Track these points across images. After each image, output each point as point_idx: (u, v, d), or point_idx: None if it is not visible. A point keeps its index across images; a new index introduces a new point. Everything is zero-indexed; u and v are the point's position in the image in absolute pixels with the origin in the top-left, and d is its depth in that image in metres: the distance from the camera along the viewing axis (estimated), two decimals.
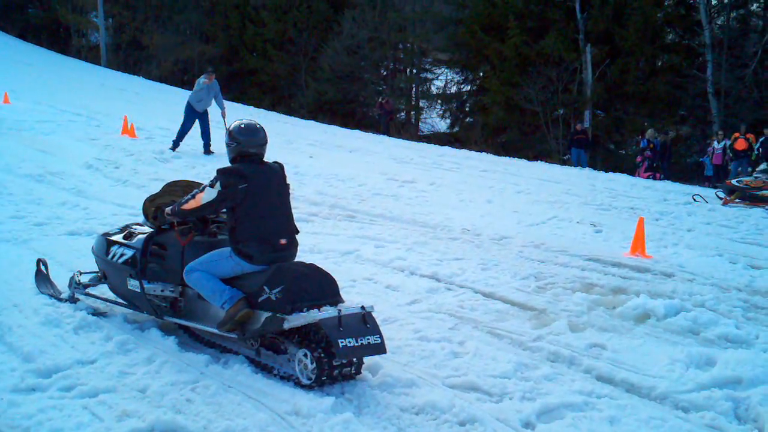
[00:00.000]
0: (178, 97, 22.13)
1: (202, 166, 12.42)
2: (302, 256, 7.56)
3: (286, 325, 4.59)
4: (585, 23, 24.25)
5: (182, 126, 13.73)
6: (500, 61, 25.59)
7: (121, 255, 5.56)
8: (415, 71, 31.99)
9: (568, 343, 5.54)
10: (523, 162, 16.18)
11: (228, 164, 5.18)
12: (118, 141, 13.96)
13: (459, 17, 29.02)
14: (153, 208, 5.56)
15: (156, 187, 10.65)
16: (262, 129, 5.16)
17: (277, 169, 5.18)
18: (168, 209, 5.29)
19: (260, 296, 4.77)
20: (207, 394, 4.57)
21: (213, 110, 13.92)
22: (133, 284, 5.41)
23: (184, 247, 5.28)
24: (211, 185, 5.01)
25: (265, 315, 4.72)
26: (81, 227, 8.49)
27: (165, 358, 5.01)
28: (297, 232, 5.27)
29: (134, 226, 5.87)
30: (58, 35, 39.94)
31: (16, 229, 8.14)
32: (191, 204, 5.10)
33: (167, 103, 22.28)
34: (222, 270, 4.99)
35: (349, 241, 8.41)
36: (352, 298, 6.31)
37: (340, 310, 4.58)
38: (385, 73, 32.42)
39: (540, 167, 15.28)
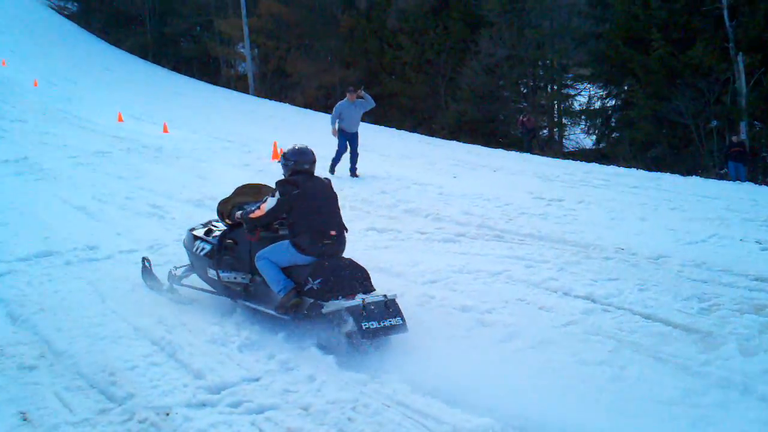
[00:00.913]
0: (323, 122, 22.76)
1: (349, 188, 12.64)
2: (451, 275, 7.67)
3: (324, 311, 5.61)
4: (735, 31, 23.05)
5: (337, 149, 14.06)
6: (645, 74, 24.72)
7: (203, 248, 6.70)
8: (556, 87, 31.46)
9: (739, 369, 5.22)
10: (677, 177, 15.46)
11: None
12: (268, 166, 14.46)
13: (599, 31, 28.35)
14: (229, 207, 6.62)
15: None
16: (311, 151, 6.29)
17: (325, 181, 6.34)
18: (237, 214, 6.38)
19: (306, 286, 5.81)
20: (367, 413, 4.63)
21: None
22: (212, 273, 6.48)
23: (252, 242, 6.27)
24: (272, 195, 6.09)
25: (309, 302, 5.75)
26: None
27: (325, 377, 5.13)
28: (345, 228, 6.29)
29: (214, 223, 6.97)
30: (208, 66, 42.14)
31: (180, 252, 8.57)
32: (257, 213, 6.13)
33: (312, 128, 22.95)
34: (281, 259, 6.02)
35: (498, 261, 8.31)
36: (504, 320, 6.28)
37: (364, 299, 5.49)
38: (525, 90, 32.06)
39: (695, 182, 14.53)
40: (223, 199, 6.84)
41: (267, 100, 33.52)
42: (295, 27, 36.80)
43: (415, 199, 11.69)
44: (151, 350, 5.67)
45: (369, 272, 6.02)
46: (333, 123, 13.82)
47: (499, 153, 20.30)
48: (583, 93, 31.28)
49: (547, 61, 31.22)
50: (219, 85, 37.82)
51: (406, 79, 33.48)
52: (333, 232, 6.08)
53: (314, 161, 6.29)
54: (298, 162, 6.20)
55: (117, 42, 42.64)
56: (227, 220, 6.65)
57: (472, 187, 12.77)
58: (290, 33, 37.46)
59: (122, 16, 43.75)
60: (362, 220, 10.36)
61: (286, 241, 6.05)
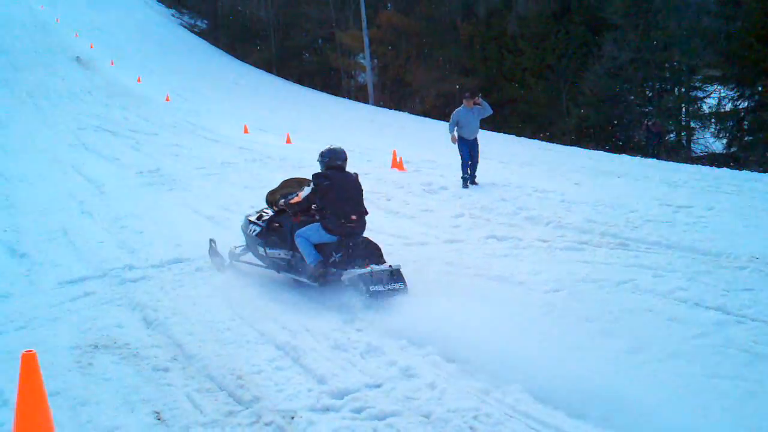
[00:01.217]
0: (442, 130, 22.80)
1: (468, 196, 12.60)
2: (574, 284, 7.49)
3: (342, 278, 7.14)
4: None
5: (461, 159, 13.82)
6: None
7: (254, 230, 8.07)
8: (683, 90, 30.24)
9: None
10: None
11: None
12: (388, 174, 14.62)
13: (730, 30, 27.09)
14: (276, 196, 8.06)
15: (424, 217, 11.09)
16: (342, 150, 7.71)
17: (353, 175, 7.72)
18: (281, 201, 7.85)
19: (330, 258, 7.33)
20: (489, 422, 4.59)
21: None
22: (261, 250, 7.97)
23: (293, 224, 7.64)
24: (308, 185, 7.64)
25: (332, 271, 7.26)
26: None
27: (446, 385, 5.12)
28: (366, 212, 7.66)
29: (265, 210, 8.31)
30: (329, 78, 43.05)
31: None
32: (296, 200, 7.68)
33: (431, 136, 23.02)
34: (313, 236, 7.44)
35: (623, 270, 8.05)
36: (630, 331, 6.06)
37: (372, 268, 6.98)
38: (650, 94, 31.00)
39: None
40: (271, 190, 8.34)
41: (386, 109, 33.90)
42: (414, 37, 37.08)
43: (536, 206, 11.51)
44: (276, 355, 5.83)
45: (381, 247, 7.57)
46: (451, 130, 13.73)
47: (623, 159, 19.70)
48: (713, 95, 29.94)
49: (675, 63, 30.08)
50: (339, 96, 38.56)
51: (526, 84, 33.07)
52: (354, 217, 7.47)
53: (345, 159, 7.70)
54: (331, 159, 7.63)
55: (243, 56, 44.20)
56: (274, 207, 8.05)
57: (594, 194, 12.45)
58: (409, 42, 37.77)
59: (248, 32, 45.31)
60: (482, 228, 10.29)
61: (317, 223, 7.47)
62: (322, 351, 5.83)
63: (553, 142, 25.78)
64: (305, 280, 7.43)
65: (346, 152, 7.75)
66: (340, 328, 6.30)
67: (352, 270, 7.09)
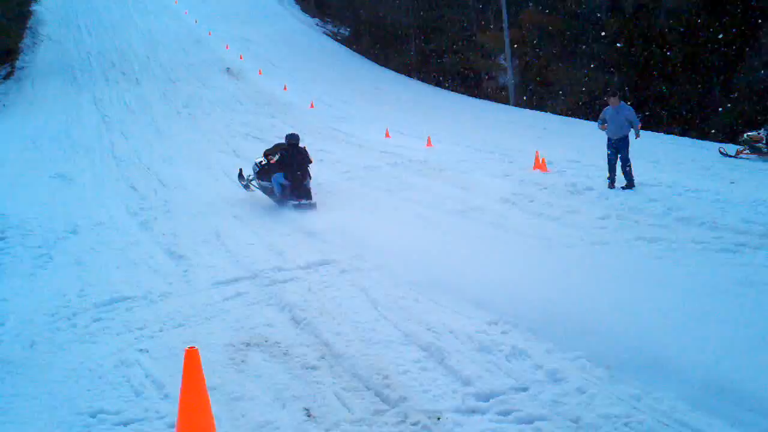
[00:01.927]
0: (586, 130, 22.23)
1: (614, 197, 12.20)
2: (731, 288, 7.08)
3: (290, 204, 12.51)
4: None
5: (607, 158, 13.40)
6: None
7: (255, 169, 13.55)
8: None
9: None
10: None
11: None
12: (530, 175, 14.38)
13: None
14: (268, 154, 13.39)
15: (569, 218, 10.85)
16: (296, 134, 13.29)
17: (302, 149, 13.09)
18: (269, 158, 13.23)
19: (286, 191, 12.68)
20: (642, 429, 4.43)
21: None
22: (255, 182, 13.60)
23: (273, 170, 12.93)
24: (278, 154, 13.02)
25: (288, 201, 12.62)
26: (503, 259, 8.85)
27: (595, 390, 4.99)
28: (307, 172, 12.96)
29: (262, 161, 13.42)
30: (469, 80, 42.88)
31: (451, 263, 8.76)
32: (273, 160, 12.99)
33: (574, 136, 22.47)
34: (279, 178, 12.71)
35: None
36: None
37: (300, 202, 12.48)
38: None
39: None
40: (266, 149, 13.78)
41: (527, 110, 33.38)
42: (557, 35, 36.34)
43: (687, 206, 10.99)
44: (421, 356, 5.86)
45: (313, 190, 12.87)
46: (599, 125, 13.24)
47: None
48: None
49: None
50: (480, 98, 38.32)
51: (675, 80, 31.66)
52: (299, 172, 12.79)
53: (298, 139, 13.16)
54: (288, 139, 13.11)
55: (384, 61, 44.79)
56: (266, 159, 13.32)
57: (752, 193, 11.75)
58: (552, 41, 37.04)
59: (389, 37, 45.90)
60: (630, 230, 9.96)
61: (282, 173, 12.77)
62: (466, 353, 5.81)
63: (705, 139, 24.55)
64: (275, 201, 12.96)
65: (299, 134, 13.39)
66: (484, 330, 6.26)
67: (293, 201, 12.54)
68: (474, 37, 41.02)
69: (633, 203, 11.56)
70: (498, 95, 39.16)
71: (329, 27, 52.48)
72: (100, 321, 7.39)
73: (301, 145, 13.19)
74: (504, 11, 36.41)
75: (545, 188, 13.16)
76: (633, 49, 34.09)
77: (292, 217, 11.93)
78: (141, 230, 11.69)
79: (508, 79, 38.03)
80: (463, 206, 12.14)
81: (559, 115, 31.34)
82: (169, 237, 11.09)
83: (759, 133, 17.75)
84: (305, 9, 55.73)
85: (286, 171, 12.67)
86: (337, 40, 49.40)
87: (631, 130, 13.00)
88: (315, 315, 7.13)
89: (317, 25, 52.76)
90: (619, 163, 13.03)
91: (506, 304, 6.75)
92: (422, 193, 13.54)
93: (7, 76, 34.39)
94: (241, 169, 14.26)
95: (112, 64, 35.35)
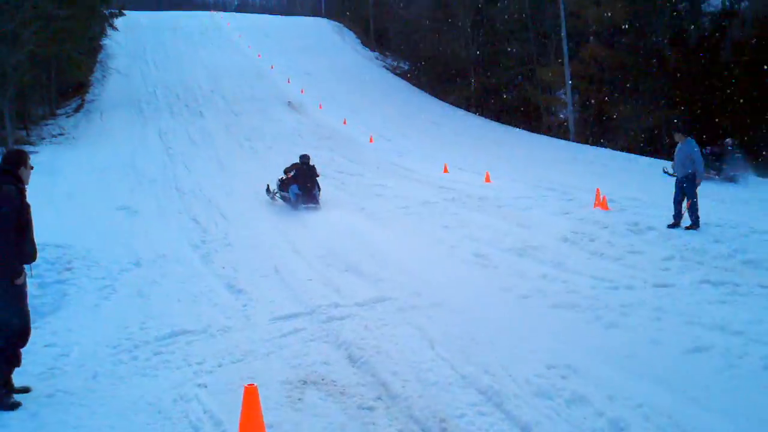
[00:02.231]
0: (647, 167, 21.92)
1: (678, 237, 11.93)
2: None
3: (303, 205, 16.31)
4: None
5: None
6: None
7: (278, 183, 17.37)
8: None
9: None
10: None
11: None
12: (591, 214, 14.18)
13: None
14: (287, 170, 17.16)
15: (630, 259, 10.64)
16: (307, 155, 17.14)
17: (312, 166, 16.73)
18: (287, 174, 17.12)
19: (299, 199, 16.36)
20: None
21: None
22: (278, 193, 17.23)
23: (290, 182, 16.68)
24: (294, 170, 16.91)
25: (301, 205, 16.30)
26: (562, 300, 8.73)
27: None
28: (316, 183, 16.66)
29: (282, 176, 17.26)
30: (528, 114, 42.70)
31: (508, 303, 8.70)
32: (290, 175, 16.86)
33: (634, 172, 22.15)
34: (294, 189, 16.43)
35: None
36: None
37: (308, 206, 16.23)
38: None
39: None
40: (286, 167, 17.29)
41: (587, 146, 33.04)
42: (618, 69, 36.00)
43: (756, 248, 10.70)
44: (478, 399, 5.80)
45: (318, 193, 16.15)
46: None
47: None
48: None
49: None
50: (539, 133, 38.11)
51: (741, 116, 30.99)
52: (309, 184, 16.29)
53: (309, 158, 16.85)
54: (301, 159, 16.78)
55: (443, 95, 44.96)
56: (285, 174, 17.05)
57: None
58: (613, 75, 36.70)
59: (449, 71, 46.10)
60: (694, 272, 9.73)
61: (297, 184, 16.34)
62: (525, 397, 5.73)
63: None
64: (291, 207, 16.29)
65: (310, 156, 17.15)
66: (543, 374, 6.16)
67: (304, 205, 16.10)
68: (534, 72, 40.86)
69: (697, 244, 11.30)
70: (558, 130, 38.89)
71: (389, 61, 53.00)
72: (160, 354, 7.50)
73: (311, 163, 17.00)
74: (564, 45, 36.28)
75: (606, 227, 12.94)
76: (696, 84, 33.55)
77: (350, 252, 11.95)
78: (202, 263, 11.87)
79: (568, 113, 37.76)
80: (523, 244, 12.02)
81: (620, 150, 30.90)
82: (229, 270, 11.24)
83: None
84: (365, 43, 56.49)
85: (299, 183, 16.42)
86: (396, 74, 49.81)
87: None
88: (372, 353, 7.12)
89: (377, 58, 53.34)
90: (685, 203, 12.56)
91: (563, 347, 6.65)
92: (480, 230, 13.45)
93: (77, 109, 35.53)
94: (268, 185, 17.78)
95: (177, 96, 36.26)
